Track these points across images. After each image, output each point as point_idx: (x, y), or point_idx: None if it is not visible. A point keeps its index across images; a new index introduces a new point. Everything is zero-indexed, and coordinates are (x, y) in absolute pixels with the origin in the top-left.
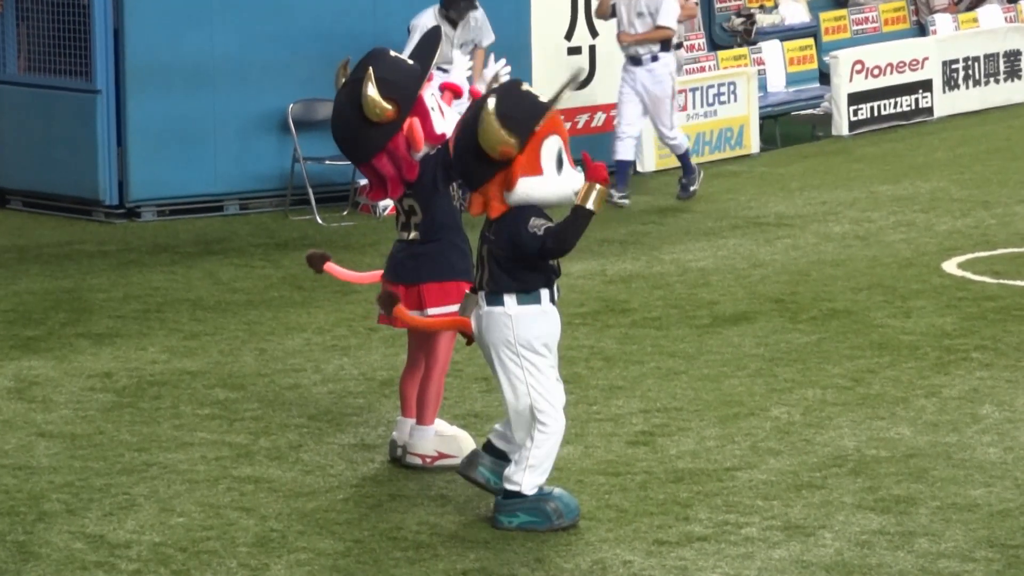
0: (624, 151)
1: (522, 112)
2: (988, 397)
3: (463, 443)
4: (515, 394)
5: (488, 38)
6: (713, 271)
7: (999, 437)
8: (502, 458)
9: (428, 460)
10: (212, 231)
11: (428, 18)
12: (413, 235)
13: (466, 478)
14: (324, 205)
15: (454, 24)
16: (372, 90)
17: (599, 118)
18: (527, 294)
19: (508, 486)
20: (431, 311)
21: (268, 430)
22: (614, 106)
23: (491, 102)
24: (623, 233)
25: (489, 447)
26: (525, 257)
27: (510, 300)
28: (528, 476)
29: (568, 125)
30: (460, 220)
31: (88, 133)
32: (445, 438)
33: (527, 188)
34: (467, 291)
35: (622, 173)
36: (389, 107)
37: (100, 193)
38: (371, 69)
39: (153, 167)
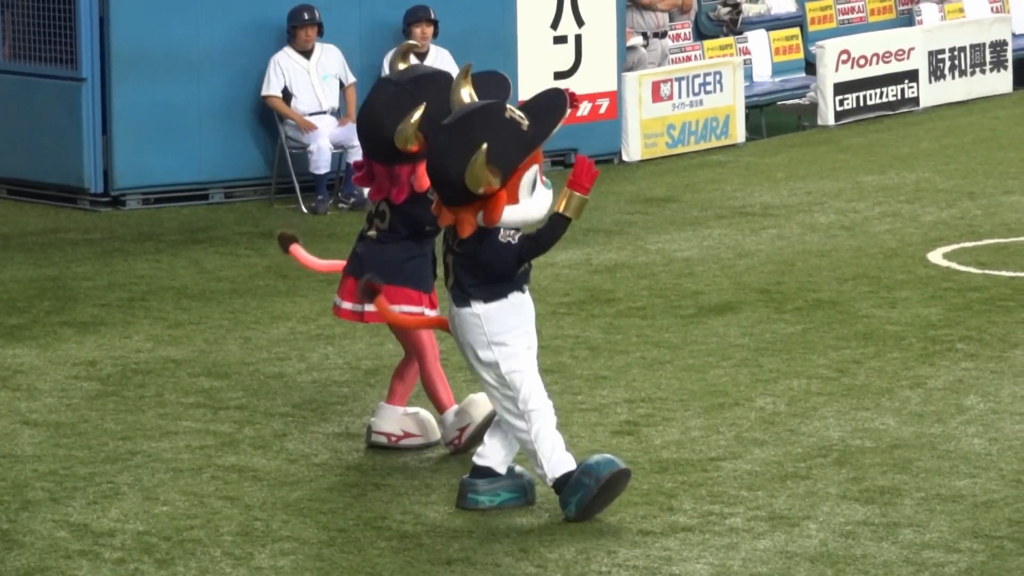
0: None
1: (509, 154)
2: (973, 388)
3: (427, 423)
4: (494, 389)
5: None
6: (698, 261)
7: (984, 428)
8: (490, 474)
9: (393, 439)
10: (197, 219)
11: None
12: (372, 233)
13: (465, 508)
14: (309, 194)
15: (422, 59)
16: (414, 120)
17: (584, 107)
18: (491, 298)
19: (551, 483)
20: (369, 307)
21: (252, 419)
22: (600, 95)
23: (484, 148)
24: (608, 223)
25: (476, 471)
26: (495, 271)
27: (476, 302)
28: (550, 465)
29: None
30: (427, 230)
31: (73, 121)
32: (410, 417)
33: (504, 215)
34: (363, 280)
35: None
36: (415, 144)
37: (85, 181)
38: (427, 103)
39: (138, 155)
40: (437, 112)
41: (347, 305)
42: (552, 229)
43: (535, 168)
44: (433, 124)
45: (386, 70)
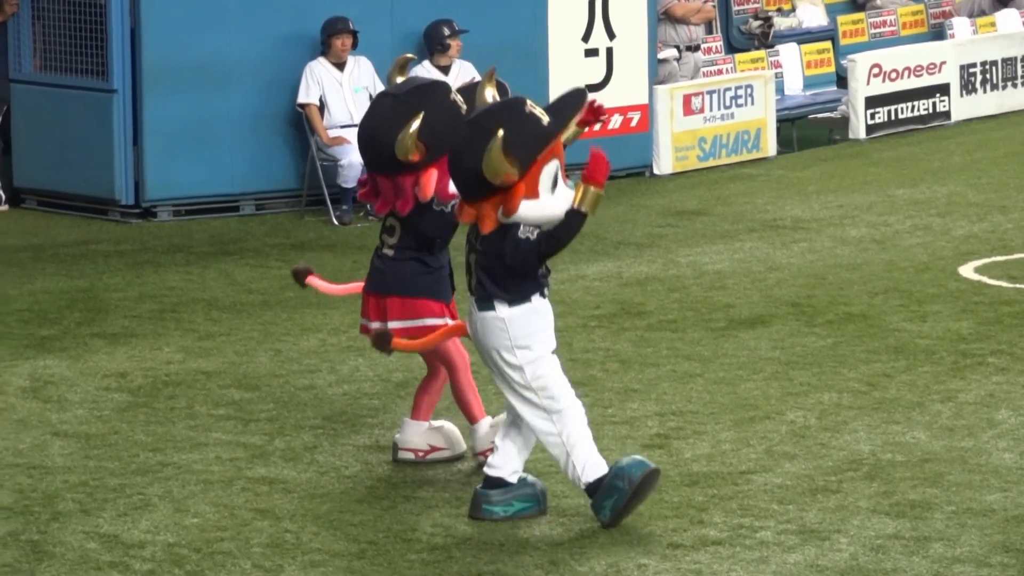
0: None
1: (527, 144)
2: (1004, 402)
3: (453, 435)
4: (517, 394)
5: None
6: (729, 274)
7: (1015, 442)
8: (502, 484)
9: (420, 454)
10: (228, 231)
11: (423, 73)
12: (387, 250)
13: (479, 519)
14: (340, 206)
15: (446, 72)
16: (412, 130)
17: (616, 120)
18: (515, 300)
19: (583, 486)
20: (392, 324)
21: (283, 431)
22: (631, 108)
23: (500, 134)
24: (639, 236)
25: (488, 482)
26: (516, 268)
27: (500, 304)
28: (584, 469)
29: (584, 128)
30: (437, 242)
31: (104, 133)
32: (435, 431)
33: (523, 210)
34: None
35: None
36: (416, 153)
37: (116, 193)
38: (425, 112)
39: (169, 167)
40: (436, 121)
41: (375, 324)
42: (568, 225)
43: (555, 164)
44: (433, 131)
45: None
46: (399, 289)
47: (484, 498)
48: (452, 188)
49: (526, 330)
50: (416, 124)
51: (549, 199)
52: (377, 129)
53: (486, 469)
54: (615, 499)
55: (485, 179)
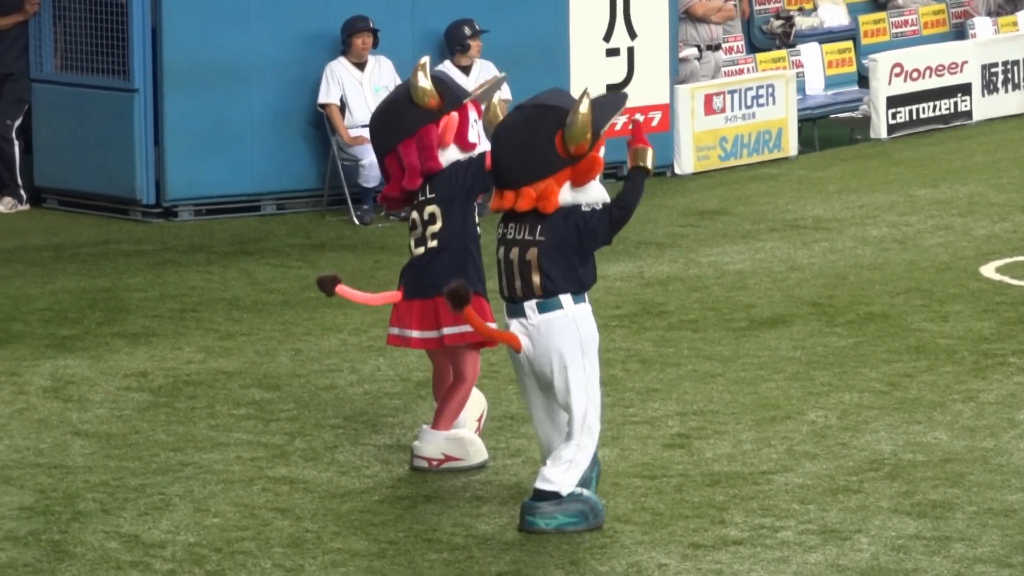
0: None
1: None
2: None
3: (471, 446)
4: (576, 398)
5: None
6: (750, 274)
7: None
8: (550, 497)
9: (434, 463)
10: (249, 231)
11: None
12: (432, 244)
13: (530, 531)
14: (361, 206)
15: (467, 72)
16: (424, 79)
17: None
18: (579, 294)
19: (545, 486)
20: (447, 331)
21: (304, 431)
22: (653, 108)
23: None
24: (660, 236)
25: (537, 495)
26: (591, 244)
27: (567, 301)
28: (569, 477)
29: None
30: (477, 232)
31: (125, 132)
32: (453, 441)
33: (589, 185)
34: (450, 286)
35: None
36: (435, 95)
37: (137, 192)
38: (426, 65)
39: (190, 166)
40: (442, 76)
41: (415, 334)
42: (635, 183)
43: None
44: (443, 82)
45: None
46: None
47: (529, 509)
48: (472, 136)
49: (590, 331)
50: (423, 76)
51: (595, 181)
52: (381, 109)
53: (537, 483)
54: (571, 520)
55: (553, 155)
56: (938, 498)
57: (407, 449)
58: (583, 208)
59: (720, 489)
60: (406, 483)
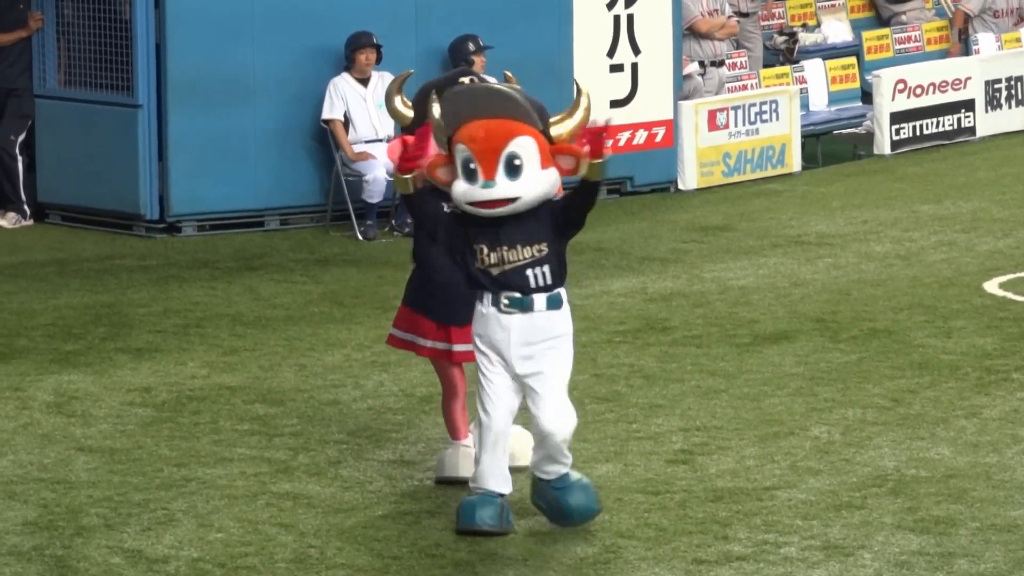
0: None
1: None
2: None
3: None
4: (565, 383)
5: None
6: (754, 290)
7: None
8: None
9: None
10: (252, 246)
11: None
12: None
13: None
14: (365, 221)
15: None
16: (398, 101)
17: (640, 136)
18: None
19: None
20: (458, 347)
21: (307, 446)
22: (656, 124)
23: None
24: (664, 251)
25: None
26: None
27: (564, 292)
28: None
29: (610, 143)
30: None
31: (129, 147)
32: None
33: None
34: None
35: None
36: (409, 115)
37: (141, 207)
38: (400, 80)
39: (194, 182)
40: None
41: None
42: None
43: None
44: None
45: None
46: (456, 318)
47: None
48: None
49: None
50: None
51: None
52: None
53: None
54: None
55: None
56: (941, 514)
57: (411, 464)
58: (554, 198)
59: (723, 505)
60: (410, 498)
